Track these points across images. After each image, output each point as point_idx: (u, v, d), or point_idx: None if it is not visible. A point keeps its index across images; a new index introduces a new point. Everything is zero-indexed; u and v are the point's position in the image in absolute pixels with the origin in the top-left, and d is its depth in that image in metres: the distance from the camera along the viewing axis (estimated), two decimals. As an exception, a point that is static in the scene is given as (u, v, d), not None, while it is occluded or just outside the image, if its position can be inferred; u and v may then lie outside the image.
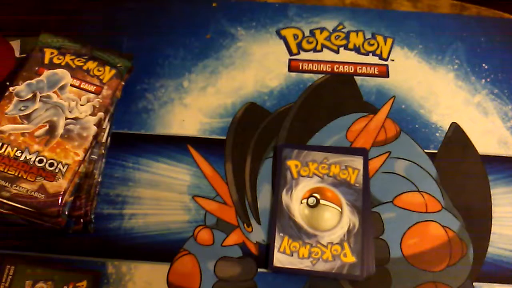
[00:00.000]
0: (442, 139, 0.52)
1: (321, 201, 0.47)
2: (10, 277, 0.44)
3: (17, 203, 0.43)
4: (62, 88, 0.49)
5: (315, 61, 0.56)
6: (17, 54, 0.55)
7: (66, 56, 0.51)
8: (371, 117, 0.53)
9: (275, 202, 0.48)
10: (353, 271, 0.44)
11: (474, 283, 0.45)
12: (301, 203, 0.47)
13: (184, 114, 0.53)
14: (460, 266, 0.46)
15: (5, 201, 0.43)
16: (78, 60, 0.51)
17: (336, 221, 0.46)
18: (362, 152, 0.50)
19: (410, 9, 0.61)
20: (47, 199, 0.43)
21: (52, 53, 0.51)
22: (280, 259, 0.45)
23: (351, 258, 0.45)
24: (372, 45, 0.58)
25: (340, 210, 0.47)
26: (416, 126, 0.53)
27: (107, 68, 0.51)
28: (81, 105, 0.48)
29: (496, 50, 0.58)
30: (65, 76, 0.50)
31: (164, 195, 0.49)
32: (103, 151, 0.49)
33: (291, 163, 0.49)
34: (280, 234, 0.46)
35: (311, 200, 0.47)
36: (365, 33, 0.58)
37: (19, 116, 0.47)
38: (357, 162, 0.49)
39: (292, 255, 0.45)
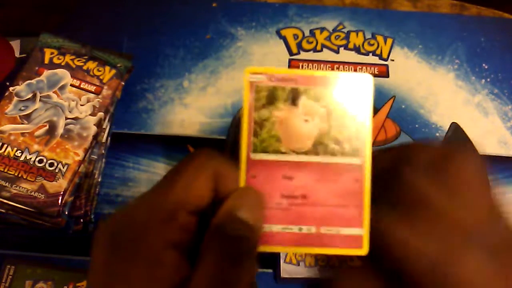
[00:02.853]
0: (442, 139, 0.52)
1: None
2: (10, 277, 0.44)
3: (17, 203, 0.43)
4: (62, 88, 0.49)
5: (315, 61, 0.56)
6: (17, 54, 0.55)
7: (66, 56, 0.51)
8: (371, 117, 0.53)
9: None
10: None
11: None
12: None
13: (184, 114, 0.53)
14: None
15: (5, 201, 0.43)
16: (78, 60, 0.51)
17: None
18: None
19: (410, 9, 0.61)
20: (47, 199, 0.43)
21: (52, 53, 0.51)
22: (287, 270, 0.45)
23: (357, 261, 0.45)
24: (372, 45, 0.58)
25: None
26: (416, 126, 0.53)
27: (107, 68, 0.51)
28: (81, 105, 0.48)
29: (496, 50, 0.58)
30: (65, 76, 0.50)
31: (164, 195, 0.49)
32: (103, 151, 0.49)
33: None
34: None
35: None
36: (365, 33, 0.58)
37: (19, 116, 0.47)
38: None
39: (298, 265, 0.45)
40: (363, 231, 0.26)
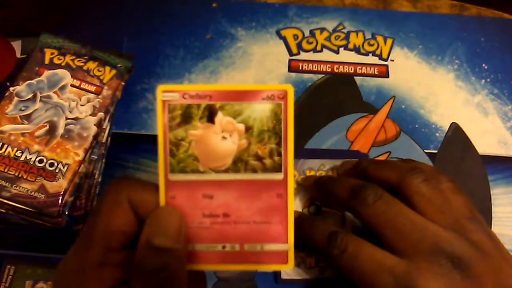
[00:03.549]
0: (442, 139, 0.52)
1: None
2: (10, 277, 0.44)
3: (17, 203, 0.43)
4: (62, 88, 0.49)
5: (315, 61, 0.57)
6: (18, 55, 0.55)
7: (66, 56, 0.51)
8: (371, 117, 0.53)
9: None
10: None
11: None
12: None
13: (184, 114, 0.53)
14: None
15: (5, 201, 0.43)
16: (78, 60, 0.51)
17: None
18: (359, 156, 0.50)
19: (410, 9, 0.61)
20: (47, 199, 0.43)
21: (52, 53, 0.51)
22: (287, 271, 0.44)
23: None
24: (372, 45, 0.58)
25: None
26: (416, 126, 0.53)
27: (107, 68, 0.51)
28: (81, 105, 0.48)
29: (496, 50, 0.58)
30: (65, 76, 0.50)
31: (164, 195, 0.49)
32: (103, 151, 0.49)
33: None
34: None
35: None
36: (365, 33, 0.58)
37: (20, 116, 0.47)
38: None
39: (299, 266, 0.45)
40: (288, 246, 0.26)
